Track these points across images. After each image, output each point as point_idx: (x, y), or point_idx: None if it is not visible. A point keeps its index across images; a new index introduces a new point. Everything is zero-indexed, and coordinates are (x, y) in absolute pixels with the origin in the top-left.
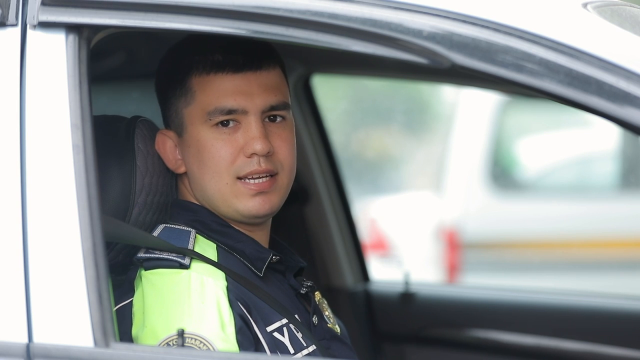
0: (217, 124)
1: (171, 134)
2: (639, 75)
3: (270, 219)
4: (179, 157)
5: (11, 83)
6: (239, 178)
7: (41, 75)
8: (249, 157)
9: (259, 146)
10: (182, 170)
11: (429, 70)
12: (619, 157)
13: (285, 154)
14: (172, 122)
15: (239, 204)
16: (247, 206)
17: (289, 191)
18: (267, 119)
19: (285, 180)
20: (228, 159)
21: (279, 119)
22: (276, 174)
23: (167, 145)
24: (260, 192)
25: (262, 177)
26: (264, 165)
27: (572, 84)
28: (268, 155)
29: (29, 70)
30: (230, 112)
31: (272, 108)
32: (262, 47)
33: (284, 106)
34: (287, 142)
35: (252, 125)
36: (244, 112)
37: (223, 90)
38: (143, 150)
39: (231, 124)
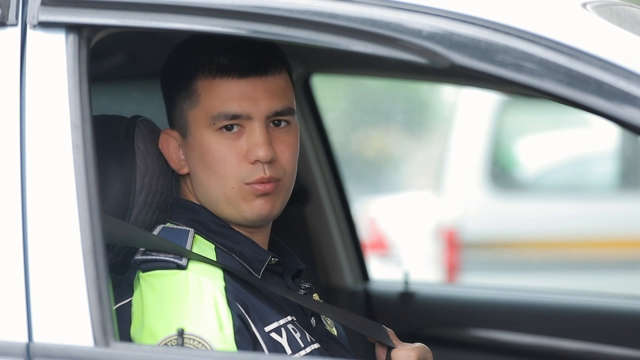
0: (221, 128)
1: (175, 134)
2: (639, 75)
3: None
4: (183, 157)
5: (11, 83)
6: (245, 184)
7: (41, 75)
8: (252, 164)
9: (262, 153)
10: (185, 171)
11: (429, 70)
12: (618, 157)
13: (288, 159)
14: (177, 122)
15: (245, 206)
16: (251, 207)
17: (289, 195)
18: (271, 124)
19: (286, 185)
20: (232, 164)
21: (283, 123)
22: (279, 180)
23: (170, 145)
24: (264, 194)
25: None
26: (268, 173)
27: (571, 84)
28: (271, 162)
29: (29, 70)
30: (234, 117)
31: (277, 114)
32: (269, 50)
33: (289, 111)
34: (290, 148)
35: (256, 130)
36: (248, 118)
37: (228, 94)
38: (143, 150)
39: (235, 128)
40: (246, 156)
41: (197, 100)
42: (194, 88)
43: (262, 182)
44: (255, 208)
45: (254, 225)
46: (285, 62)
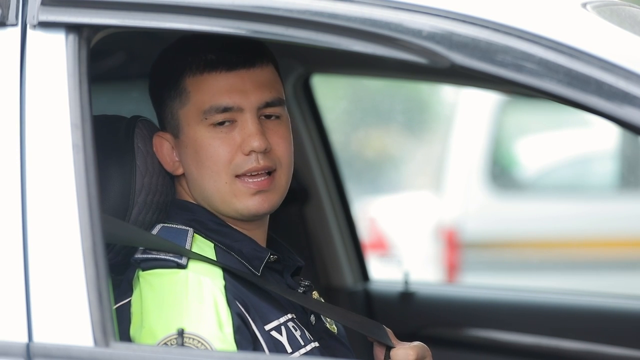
0: (213, 124)
1: (168, 136)
2: (638, 75)
3: (268, 216)
4: (176, 158)
5: (11, 83)
6: (238, 176)
7: (41, 75)
8: (247, 155)
9: (256, 143)
10: (179, 172)
11: (429, 70)
12: (618, 157)
13: (283, 150)
14: (168, 124)
15: (238, 203)
16: (246, 205)
17: (287, 189)
18: (262, 117)
19: (283, 178)
20: (226, 157)
21: (274, 117)
22: (274, 170)
23: (164, 148)
24: (259, 191)
25: (261, 175)
26: (262, 162)
27: (571, 84)
28: (266, 152)
29: (29, 70)
30: (225, 110)
31: (267, 104)
32: (255, 45)
33: (279, 102)
34: (284, 139)
35: (248, 122)
36: (240, 110)
37: (218, 88)
38: (142, 150)
39: (227, 122)
40: (240, 148)
41: (187, 98)
42: (183, 86)
43: (256, 173)
44: (252, 207)
45: (251, 220)
46: (270, 56)
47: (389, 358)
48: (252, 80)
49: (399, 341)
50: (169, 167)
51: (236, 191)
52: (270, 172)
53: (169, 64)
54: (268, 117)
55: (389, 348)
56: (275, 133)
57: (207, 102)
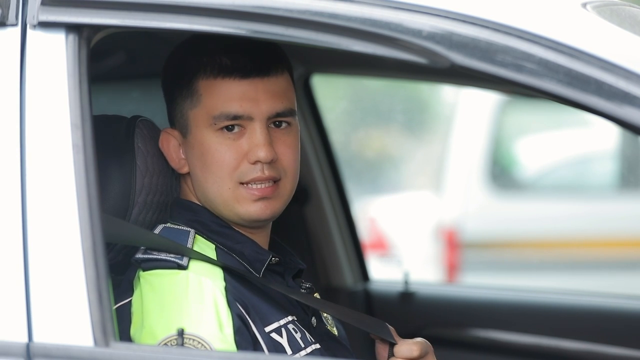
0: (221, 128)
1: (176, 133)
2: (638, 75)
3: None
4: (183, 156)
5: (11, 83)
6: (242, 183)
7: (41, 75)
8: (252, 164)
9: (262, 154)
10: (185, 170)
11: (429, 70)
12: (618, 157)
13: (289, 160)
14: (177, 122)
15: (240, 208)
16: (248, 211)
17: (291, 197)
18: (272, 125)
19: (288, 187)
20: (231, 164)
21: (284, 124)
22: (279, 180)
23: (170, 144)
24: (262, 198)
25: (265, 182)
26: (267, 173)
27: (571, 84)
28: (271, 163)
29: (29, 70)
30: (235, 117)
31: (278, 115)
32: (271, 51)
33: (290, 112)
34: (292, 149)
35: (257, 131)
36: (250, 118)
37: (230, 95)
38: (143, 149)
39: (236, 128)
40: (246, 156)
41: (199, 100)
42: (195, 88)
43: (260, 181)
44: (253, 212)
45: (253, 226)
46: (287, 63)
47: (393, 355)
48: (265, 89)
49: (401, 338)
50: (174, 163)
51: (239, 197)
52: (275, 181)
53: (182, 61)
54: (278, 125)
55: (392, 345)
56: (282, 142)
57: (217, 108)
